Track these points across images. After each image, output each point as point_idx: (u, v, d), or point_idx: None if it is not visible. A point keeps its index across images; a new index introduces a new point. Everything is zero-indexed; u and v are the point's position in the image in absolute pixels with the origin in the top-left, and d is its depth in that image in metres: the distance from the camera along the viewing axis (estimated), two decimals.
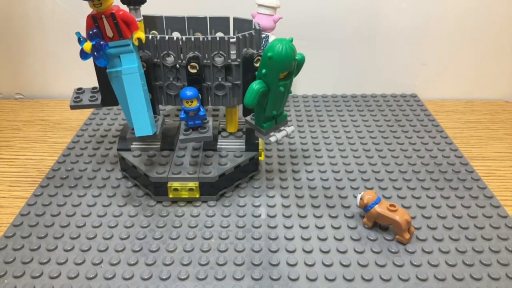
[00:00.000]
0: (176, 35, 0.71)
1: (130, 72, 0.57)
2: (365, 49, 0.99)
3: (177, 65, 0.64)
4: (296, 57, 0.57)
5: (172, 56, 0.63)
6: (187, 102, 0.62)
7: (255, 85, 0.57)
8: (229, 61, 0.63)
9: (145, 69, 0.62)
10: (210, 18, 0.72)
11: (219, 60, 0.63)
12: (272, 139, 0.64)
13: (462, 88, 1.03)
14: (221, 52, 0.62)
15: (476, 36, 0.97)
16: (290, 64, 0.56)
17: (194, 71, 0.63)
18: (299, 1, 0.93)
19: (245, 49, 0.63)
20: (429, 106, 0.97)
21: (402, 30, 0.96)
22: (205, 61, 0.63)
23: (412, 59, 1.00)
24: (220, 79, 0.64)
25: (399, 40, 0.97)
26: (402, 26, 0.96)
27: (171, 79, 0.65)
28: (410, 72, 1.01)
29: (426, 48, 0.98)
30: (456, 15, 0.95)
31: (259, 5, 0.73)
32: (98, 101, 0.68)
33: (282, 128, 0.65)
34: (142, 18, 0.68)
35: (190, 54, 0.62)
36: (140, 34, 0.57)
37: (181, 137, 0.63)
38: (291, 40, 0.56)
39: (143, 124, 0.59)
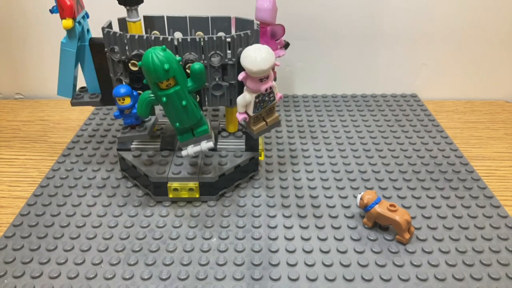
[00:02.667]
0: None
1: (62, 47, 0.68)
2: (365, 49, 0.98)
3: None
4: (193, 68, 0.55)
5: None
6: (119, 100, 0.61)
7: (145, 95, 0.57)
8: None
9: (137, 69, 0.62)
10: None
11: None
12: (183, 153, 0.61)
13: (462, 88, 1.03)
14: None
15: (476, 36, 0.97)
16: (159, 74, 0.53)
17: (136, 68, 0.62)
18: (299, 1, 0.93)
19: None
20: (429, 106, 0.97)
21: (402, 30, 0.96)
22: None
23: (412, 59, 1.00)
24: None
25: (399, 40, 0.97)
26: (402, 26, 0.96)
27: None
28: (410, 72, 1.01)
29: (426, 48, 0.98)
30: (456, 15, 0.94)
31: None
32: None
33: (201, 142, 0.62)
34: (140, 18, 0.67)
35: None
36: (66, 22, 0.63)
37: (118, 135, 0.65)
38: (163, 49, 0.53)
39: (66, 88, 0.70)
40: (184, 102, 0.56)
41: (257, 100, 0.60)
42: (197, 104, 0.59)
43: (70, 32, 0.65)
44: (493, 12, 0.94)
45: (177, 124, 0.58)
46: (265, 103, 0.61)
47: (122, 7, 0.67)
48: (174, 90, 0.55)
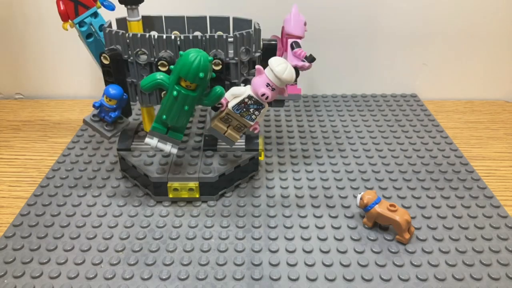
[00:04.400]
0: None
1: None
2: (365, 49, 0.99)
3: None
4: (207, 78, 0.56)
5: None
6: (107, 98, 0.62)
7: (159, 75, 0.57)
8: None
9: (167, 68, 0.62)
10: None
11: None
12: (147, 140, 0.62)
13: (462, 88, 1.03)
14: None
15: (476, 36, 0.97)
16: (192, 75, 0.54)
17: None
18: (299, 1, 0.93)
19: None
20: (429, 106, 0.97)
21: (402, 30, 0.96)
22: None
23: (412, 59, 1.00)
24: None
25: (399, 40, 0.97)
26: (402, 26, 0.96)
27: None
28: (410, 72, 1.01)
29: (426, 48, 0.98)
30: (456, 15, 0.95)
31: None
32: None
33: (168, 143, 0.62)
34: (140, 18, 0.67)
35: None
36: (62, 25, 0.65)
37: (86, 118, 0.65)
38: (211, 60, 0.55)
39: None
40: (186, 108, 0.58)
41: (246, 101, 0.60)
42: (192, 115, 0.59)
43: (78, 31, 0.67)
44: (493, 12, 0.94)
45: (164, 116, 0.59)
46: (245, 113, 0.60)
47: (122, 7, 0.67)
48: (189, 94, 0.56)
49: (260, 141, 0.73)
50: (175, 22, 0.72)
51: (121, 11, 0.68)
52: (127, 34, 0.61)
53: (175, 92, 0.56)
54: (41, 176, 0.75)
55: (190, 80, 0.55)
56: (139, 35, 0.61)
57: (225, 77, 0.64)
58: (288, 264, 0.57)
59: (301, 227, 0.62)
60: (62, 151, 0.81)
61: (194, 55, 0.54)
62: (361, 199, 0.61)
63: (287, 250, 0.59)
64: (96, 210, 0.66)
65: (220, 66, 0.62)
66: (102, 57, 0.62)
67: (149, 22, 0.72)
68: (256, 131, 0.63)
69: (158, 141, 0.62)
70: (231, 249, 0.59)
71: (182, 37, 0.61)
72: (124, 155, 0.70)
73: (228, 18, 0.72)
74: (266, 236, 0.61)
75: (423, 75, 1.02)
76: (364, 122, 0.89)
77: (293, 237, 0.61)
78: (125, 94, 0.63)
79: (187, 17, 0.72)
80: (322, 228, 0.62)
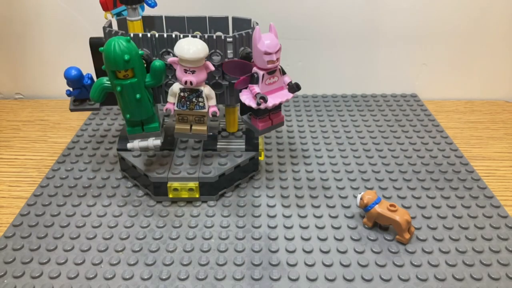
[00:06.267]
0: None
1: None
2: (365, 49, 0.98)
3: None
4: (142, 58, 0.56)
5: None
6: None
7: (101, 81, 0.58)
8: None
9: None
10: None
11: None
12: (129, 145, 0.62)
13: (462, 88, 1.02)
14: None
15: (476, 36, 0.97)
16: (118, 62, 0.54)
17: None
18: (299, 1, 0.93)
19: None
20: (429, 106, 0.97)
21: (402, 30, 0.96)
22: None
23: (412, 59, 1.00)
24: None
25: (399, 40, 0.97)
26: (402, 26, 0.96)
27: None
28: (410, 72, 1.01)
29: (426, 48, 0.98)
30: (456, 15, 0.95)
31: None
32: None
33: (149, 138, 0.62)
34: (140, 17, 0.68)
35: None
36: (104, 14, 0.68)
37: (70, 107, 0.68)
38: (127, 40, 0.54)
39: None
40: (138, 96, 0.57)
41: (182, 94, 0.59)
42: (151, 100, 0.59)
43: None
44: (493, 12, 0.94)
45: (128, 115, 0.59)
46: (191, 104, 0.60)
47: (161, 5, 0.67)
48: (130, 81, 0.56)
49: (260, 141, 0.73)
50: (175, 22, 0.72)
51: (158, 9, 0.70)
52: (153, 36, 0.62)
53: (118, 88, 0.56)
54: (41, 176, 0.75)
55: (121, 68, 0.55)
56: (140, 35, 0.61)
57: (223, 78, 0.64)
58: (288, 264, 0.57)
59: (301, 227, 0.62)
60: (62, 151, 0.81)
61: (110, 43, 0.54)
62: (361, 199, 0.61)
63: (287, 250, 0.59)
64: (96, 210, 0.66)
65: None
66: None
67: (149, 22, 0.72)
68: (217, 114, 0.61)
69: (139, 141, 0.62)
70: (231, 249, 0.59)
71: (181, 37, 0.61)
72: (124, 155, 0.70)
73: (227, 18, 0.72)
74: (266, 236, 0.61)
75: (423, 75, 1.02)
76: (364, 122, 0.89)
77: (293, 237, 0.61)
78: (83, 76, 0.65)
79: (187, 17, 0.72)
80: (322, 228, 0.62)
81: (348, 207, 0.66)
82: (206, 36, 0.61)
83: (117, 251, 0.59)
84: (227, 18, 0.72)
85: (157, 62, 0.57)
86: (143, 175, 0.67)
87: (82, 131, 0.86)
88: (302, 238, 0.61)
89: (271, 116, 0.64)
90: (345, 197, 0.68)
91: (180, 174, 0.66)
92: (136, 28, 0.68)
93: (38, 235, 0.61)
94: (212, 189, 0.67)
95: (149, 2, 0.70)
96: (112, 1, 0.69)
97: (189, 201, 0.67)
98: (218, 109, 0.62)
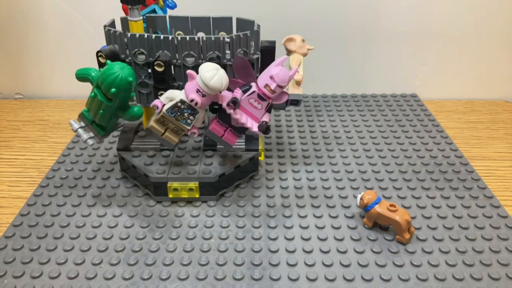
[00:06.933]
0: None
1: None
2: (365, 49, 0.98)
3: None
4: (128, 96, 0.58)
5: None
6: None
7: (94, 71, 0.60)
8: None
9: (163, 69, 0.63)
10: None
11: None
12: (72, 122, 0.63)
13: (462, 88, 1.03)
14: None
15: (476, 36, 0.97)
16: (106, 87, 0.56)
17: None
18: (299, 1, 0.93)
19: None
20: (429, 106, 0.97)
21: (402, 30, 0.96)
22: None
23: (412, 59, 1.00)
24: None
25: (399, 40, 0.97)
26: (402, 26, 0.96)
27: (143, 77, 0.65)
28: (410, 72, 1.01)
29: (426, 48, 0.98)
30: (456, 15, 0.95)
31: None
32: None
33: (90, 133, 0.63)
34: (141, 18, 0.67)
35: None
36: None
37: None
38: (130, 81, 0.56)
39: None
40: (101, 112, 0.59)
41: (179, 105, 0.59)
42: (110, 123, 0.62)
43: None
44: (493, 12, 0.94)
45: (87, 109, 0.62)
46: (180, 117, 0.60)
47: (181, 6, 0.67)
48: (104, 101, 0.58)
49: (260, 141, 0.73)
50: (179, 22, 0.72)
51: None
52: (150, 36, 0.62)
53: (92, 94, 0.58)
54: (41, 176, 0.75)
55: (104, 91, 0.57)
56: (137, 35, 0.61)
57: (149, 78, 0.64)
58: (288, 264, 0.57)
59: (301, 227, 0.62)
60: (62, 151, 0.81)
61: (116, 70, 0.55)
62: (361, 199, 0.61)
63: (287, 250, 0.59)
64: (96, 210, 0.66)
65: (163, 68, 0.62)
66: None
67: (153, 22, 0.72)
68: (195, 135, 0.63)
69: (81, 127, 0.63)
70: (231, 249, 0.59)
71: (179, 38, 0.61)
72: (124, 155, 0.70)
73: (231, 19, 0.71)
74: (266, 236, 0.61)
75: (423, 75, 1.02)
76: (364, 122, 0.89)
77: (293, 237, 0.61)
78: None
79: (191, 17, 0.72)
80: (322, 228, 0.62)
81: (348, 207, 0.66)
82: (204, 37, 0.61)
83: (117, 251, 0.59)
84: (231, 18, 0.71)
85: (136, 108, 0.60)
86: (143, 175, 0.67)
87: None
88: (302, 238, 0.61)
89: (228, 130, 0.63)
90: (345, 197, 0.68)
91: (180, 174, 0.66)
92: (137, 28, 0.68)
93: (38, 235, 0.61)
94: (212, 189, 0.67)
95: (168, 3, 0.71)
96: None
97: (189, 201, 0.67)
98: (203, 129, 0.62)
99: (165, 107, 0.60)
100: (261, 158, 0.72)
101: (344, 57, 0.99)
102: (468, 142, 0.85)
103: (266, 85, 0.58)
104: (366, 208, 0.61)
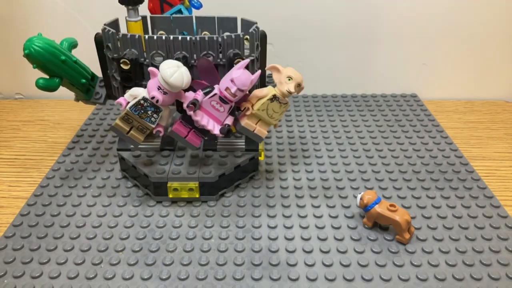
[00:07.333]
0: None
1: None
2: (365, 49, 0.99)
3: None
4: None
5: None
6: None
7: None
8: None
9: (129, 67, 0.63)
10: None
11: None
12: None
13: (462, 88, 1.03)
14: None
15: (476, 36, 0.97)
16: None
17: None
18: (299, 1, 0.93)
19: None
20: (429, 106, 0.97)
21: (402, 30, 0.96)
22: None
23: (412, 59, 1.00)
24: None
25: (399, 40, 0.97)
26: (402, 26, 0.96)
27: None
28: (410, 72, 1.01)
29: (426, 48, 0.98)
30: (456, 15, 0.95)
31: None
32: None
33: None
34: (139, 18, 0.68)
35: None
36: None
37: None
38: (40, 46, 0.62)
39: None
40: (63, 57, 0.65)
41: (142, 102, 0.59)
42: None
43: None
44: (493, 12, 0.94)
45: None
46: (143, 115, 0.60)
47: (207, 6, 0.68)
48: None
49: None
50: (183, 22, 0.72)
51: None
52: (143, 37, 0.62)
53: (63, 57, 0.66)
54: (41, 176, 0.75)
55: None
56: (129, 36, 0.61)
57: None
58: (288, 264, 0.57)
59: (301, 227, 0.62)
60: (62, 151, 0.81)
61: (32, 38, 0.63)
62: (361, 199, 0.61)
63: (287, 250, 0.59)
64: (96, 210, 0.66)
65: (129, 66, 0.62)
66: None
67: (158, 21, 0.72)
68: (160, 134, 0.62)
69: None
70: (231, 249, 0.59)
71: (171, 38, 0.61)
72: (124, 155, 0.70)
73: (235, 19, 0.71)
74: (266, 236, 0.61)
75: (423, 75, 1.02)
76: (364, 122, 0.89)
77: (293, 237, 0.61)
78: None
79: (195, 17, 0.72)
80: (322, 228, 0.62)
81: (348, 207, 0.66)
82: (198, 37, 0.61)
83: (117, 251, 0.59)
84: (235, 19, 0.71)
85: (40, 80, 0.67)
86: (143, 175, 0.67)
87: (82, 131, 0.86)
88: (302, 238, 0.61)
89: (192, 131, 0.62)
90: (345, 197, 0.68)
91: (180, 174, 0.66)
92: (135, 29, 0.68)
93: (38, 235, 0.61)
94: (212, 189, 0.67)
95: (194, 3, 0.71)
96: (159, 7, 0.72)
97: (189, 201, 0.67)
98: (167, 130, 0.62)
99: (129, 105, 0.60)
100: (261, 158, 0.72)
101: (344, 57, 0.99)
102: (468, 142, 0.85)
103: (227, 88, 0.58)
104: (366, 208, 0.61)
